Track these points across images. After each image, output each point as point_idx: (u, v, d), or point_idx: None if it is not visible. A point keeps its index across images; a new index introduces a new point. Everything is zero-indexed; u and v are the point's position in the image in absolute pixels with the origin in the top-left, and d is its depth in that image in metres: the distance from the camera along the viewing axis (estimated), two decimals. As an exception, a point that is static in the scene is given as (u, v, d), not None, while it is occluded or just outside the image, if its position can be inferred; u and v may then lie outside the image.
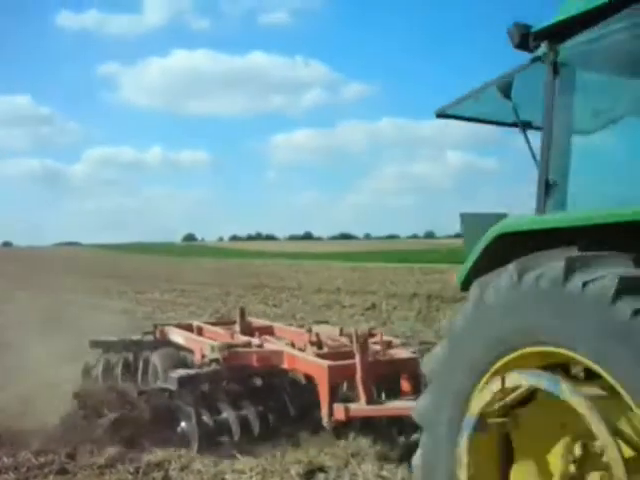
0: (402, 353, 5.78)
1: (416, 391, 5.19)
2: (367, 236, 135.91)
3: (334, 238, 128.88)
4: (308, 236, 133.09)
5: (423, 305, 16.53)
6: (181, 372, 5.60)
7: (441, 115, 4.18)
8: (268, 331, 7.43)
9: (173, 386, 5.43)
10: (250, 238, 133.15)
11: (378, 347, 5.81)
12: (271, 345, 6.31)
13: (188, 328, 7.55)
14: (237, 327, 7.33)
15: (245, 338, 6.57)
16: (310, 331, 6.41)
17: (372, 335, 5.93)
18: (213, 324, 8.08)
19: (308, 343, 6.16)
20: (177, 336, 7.23)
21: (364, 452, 5.20)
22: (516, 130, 3.59)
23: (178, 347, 7.17)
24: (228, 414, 5.42)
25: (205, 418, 5.36)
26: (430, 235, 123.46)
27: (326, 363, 5.27)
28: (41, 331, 9.08)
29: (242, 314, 7.60)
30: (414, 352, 5.69)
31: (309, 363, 5.57)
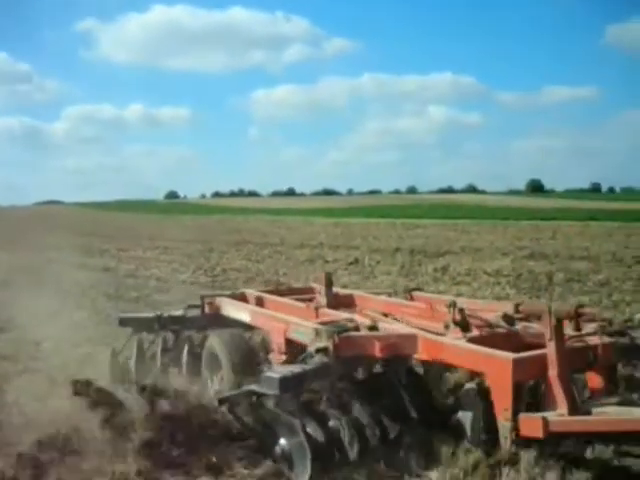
0: (594, 337, 4.01)
1: (610, 389, 3.92)
2: (349, 192, 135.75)
3: (317, 194, 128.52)
4: (291, 192, 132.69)
5: (406, 259, 16.72)
6: (282, 370, 3.86)
7: None
8: (348, 301, 5.81)
9: (273, 390, 3.72)
10: (233, 195, 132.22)
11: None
12: (392, 326, 4.58)
13: (241, 299, 5.91)
14: (322, 299, 5.54)
15: (344, 315, 4.85)
16: (454, 305, 4.34)
17: (579, 315, 3.97)
18: (272, 292, 6.26)
19: (451, 323, 4.34)
20: (238, 311, 5.54)
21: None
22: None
23: (233, 324, 5.58)
24: (338, 421, 3.86)
25: (311, 430, 3.77)
26: (412, 191, 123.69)
27: (510, 356, 3.63)
28: (24, 290, 8.99)
29: (329, 281, 5.66)
30: (605, 334, 4.03)
31: (476, 355, 3.83)
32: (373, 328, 4.34)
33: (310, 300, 5.64)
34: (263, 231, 32.27)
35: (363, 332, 4.24)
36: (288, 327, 4.61)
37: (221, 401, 4.24)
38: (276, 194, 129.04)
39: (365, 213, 51.37)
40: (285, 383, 3.70)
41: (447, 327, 4.37)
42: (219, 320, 5.68)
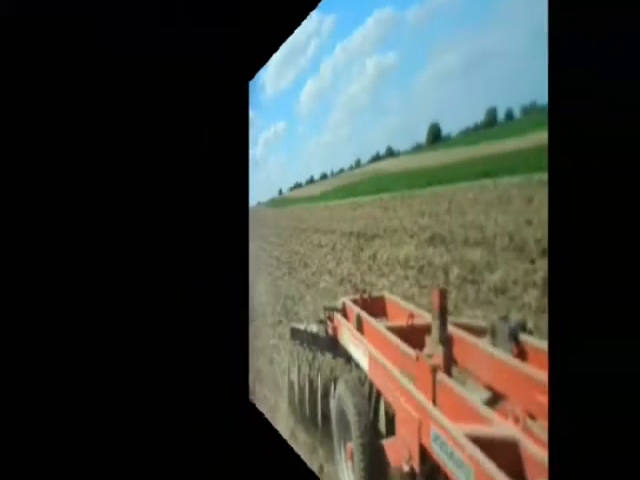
0: None
1: None
2: (332, 173, 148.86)
3: (321, 178, 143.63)
4: (311, 180, 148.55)
5: (354, 244, 22.51)
6: None
7: None
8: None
9: None
10: (291, 188, 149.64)
11: None
12: None
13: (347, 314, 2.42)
14: (435, 347, 1.54)
15: (499, 424, 1.22)
16: None
17: None
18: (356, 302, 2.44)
19: None
20: (354, 346, 2.18)
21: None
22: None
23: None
24: None
25: None
26: (357, 164, 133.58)
27: None
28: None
29: (443, 307, 1.59)
30: None
31: None
32: None
33: (414, 337, 1.89)
34: (302, 217, 47.29)
35: None
36: (427, 426, 1.50)
37: None
38: (308, 182, 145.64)
39: (334, 195, 64.82)
40: None
41: None
42: (336, 345, 2.95)
